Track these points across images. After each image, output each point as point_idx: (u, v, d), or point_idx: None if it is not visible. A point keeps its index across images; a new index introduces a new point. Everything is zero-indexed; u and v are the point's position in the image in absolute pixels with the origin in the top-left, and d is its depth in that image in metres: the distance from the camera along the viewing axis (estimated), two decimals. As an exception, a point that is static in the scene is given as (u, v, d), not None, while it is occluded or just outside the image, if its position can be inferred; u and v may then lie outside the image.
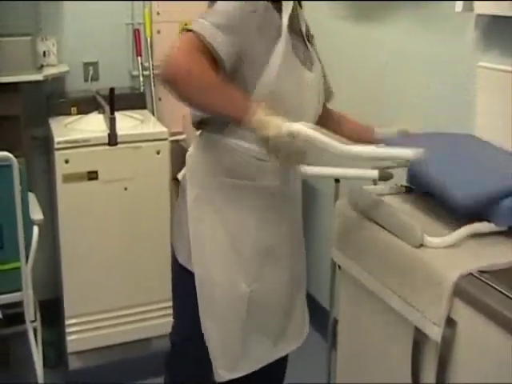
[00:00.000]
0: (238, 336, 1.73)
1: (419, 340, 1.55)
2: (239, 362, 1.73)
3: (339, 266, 1.92)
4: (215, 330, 1.71)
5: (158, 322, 2.75)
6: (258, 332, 1.76)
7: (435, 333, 1.46)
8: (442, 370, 1.46)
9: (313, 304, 3.23)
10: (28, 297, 2.41)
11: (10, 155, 2.26)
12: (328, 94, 1.89)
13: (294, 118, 1.54)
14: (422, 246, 1.56)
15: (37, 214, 2.49)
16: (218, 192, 1.68)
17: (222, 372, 1.71)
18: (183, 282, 1.75)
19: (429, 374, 1.53)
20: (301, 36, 1.72)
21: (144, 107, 3.08)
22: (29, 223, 2.41)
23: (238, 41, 1.54)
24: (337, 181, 2.39)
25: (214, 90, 1.49)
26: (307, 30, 1.78)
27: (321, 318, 3.06)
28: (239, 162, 1.65)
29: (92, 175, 2.64)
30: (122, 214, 2.70)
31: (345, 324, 1.96)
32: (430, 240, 1.56)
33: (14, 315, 2.57)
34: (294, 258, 1.84)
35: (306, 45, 1.73)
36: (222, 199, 1.68)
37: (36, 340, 2.50)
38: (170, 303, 1.88)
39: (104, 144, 2.63)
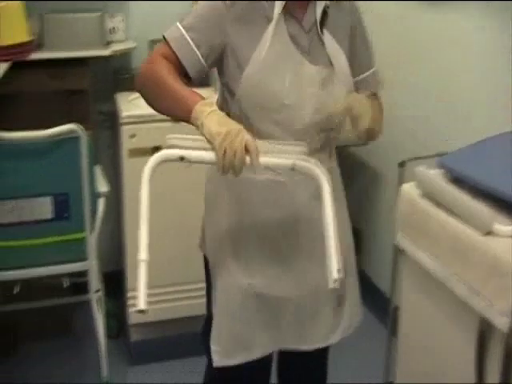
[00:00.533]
0: (234, 325, 1.72)
1: (484, 330, 1.52)
2: (233, 350, 1.72)
3: (403, 252, 1.90)
4: (215, 315, 1.73)
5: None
6: (257, 325, 1.72)
7: (502, 323, 1.43)
8: (509, 362, 1.43)
9: (373, 290, 3.24)
10: (92, 267, 2.47)
11: (79, 127, 2.30)
12: (365, 84, 1.73)
13: (288, 113, 1.56)
14: (490, 233, 1.53)
15: (103, 186, 2.53)
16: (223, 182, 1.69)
17: (215, 357, 1.72)
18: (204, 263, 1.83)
19: (494, 364, 1.50)
20: (313, 26, 1.60)
21: (208, 85, 3.08)
22: (95, 195, 2.46)
23: (210, 38, 1.56)
24: (401, 165, 2.35)
25: (164, 94, 1.51)
26: (332, 21, 1.63)
27: (381, 305, 3.04)
28: None
29: (157, 151, 2.65)
30: (184, 189, 2.72)
31: (406, 311, 1.94)
32: (500, 228, 1.53)
33: (79, 285, 2.64)
34: (298, 253, 1.71)
35: (318, 36, 1.61)
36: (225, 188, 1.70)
37: (99, 310, 2.56)
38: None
39: (169, 120, 2.64)
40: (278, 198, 1.64)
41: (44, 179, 2.36)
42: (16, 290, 2.42)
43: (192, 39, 1.57)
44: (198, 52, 1.57)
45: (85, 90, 2.83)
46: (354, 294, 1.84)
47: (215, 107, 1.45)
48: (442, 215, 1.68)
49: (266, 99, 1.57)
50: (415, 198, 1.81)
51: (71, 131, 2.30)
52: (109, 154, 3.05)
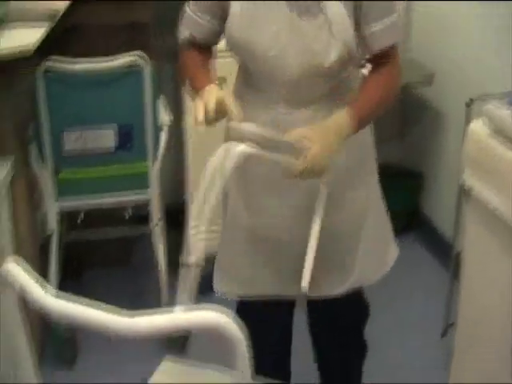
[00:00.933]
0: (234, 258, 1.76)
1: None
2: (232, 282, 1.77)
3: (467, 193, 1.85)
4: (219, 247, 1.79)
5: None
6: (258, 263, 1.73)
7: None
8: None
9: (434, 233, 3.20)
10: (154, 197, 2.50)
11: (143, 59, 2.30)
12: (376, 39, 1.56)
13: (274, 65, 1.53)
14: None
15: (165, 117, 2.54)
16: None
17: (215, 286, 1.77)
18: None
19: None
20: None
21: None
22: (157, 126, 2.47)
23: (211, 4, 1.61)
24: (468, 104, 2.29)
25: (186, 79, 1.68)
26: None
27: (442, 248, 3.00)
28: None
29: (220, 80, 2.64)
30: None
31: (470, 255, 1.91)
32: None
33: (141, 216, 2.69)
34: (304, 192, 1.65)
35: None
36: None
37: (160, 241, 2.60)
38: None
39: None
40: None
41: (108, 109, 2.39)
42: (80, 218, 2.48)
43: (194, 12, 1.65)
44: (203, 21, 1.64)
45: (149, 22, 2.82)
46: (372, 246, 1.77)
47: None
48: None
49: (248, 53, 1.57)
50: (484, 136, 1.76)
51: (135, 62, 2.31)
52: (172, 87, 3.05)
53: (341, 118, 1.50)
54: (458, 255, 2.22)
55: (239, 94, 1.67)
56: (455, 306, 2.29)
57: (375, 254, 1.78)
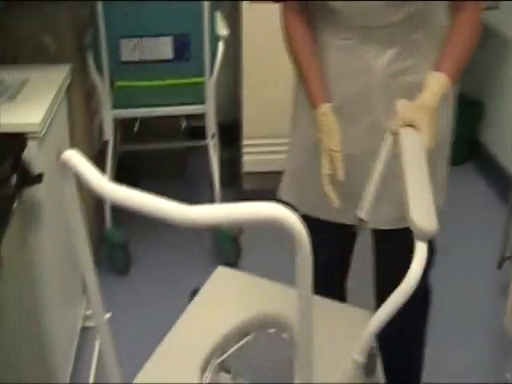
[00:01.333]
0: (303, 176, 1.69)
1: None
2: (299, 200, 1.71)
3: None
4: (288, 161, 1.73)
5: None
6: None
7: None
8: None
9: (493, 164, 3.11)
10: (210, 110, 2.48)
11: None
12: None
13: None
14: None
15: (223, 30, 2.50)
16: None
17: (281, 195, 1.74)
18: None
19: None
20: None
21: None
22: (215, 38, 2.43)
23: None
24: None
25: (300, 73, 1.58)
26: None
27: (501, 179, 2.93)
28: None
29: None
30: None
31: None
32: None
33: (196, 131, 2.68)
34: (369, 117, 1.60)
35: None
36: None
37: (214, 155, 2.59)
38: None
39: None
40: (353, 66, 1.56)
41: (166, 19, 2.35)
42: (136, 127, 2.48)
43: None
44: None
45: None
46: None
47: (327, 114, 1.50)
48: None
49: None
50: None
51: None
52: (229, 1, 2.98)
53: (439, 83, 1.43)
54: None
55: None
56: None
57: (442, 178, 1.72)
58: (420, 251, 1.11)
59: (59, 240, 1.89)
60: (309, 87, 1.55)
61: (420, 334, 1.90)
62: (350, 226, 1.64)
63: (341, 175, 1.47)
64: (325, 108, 1.50)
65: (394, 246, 1.74)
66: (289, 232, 0.91)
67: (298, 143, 1.72)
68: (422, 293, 1.89)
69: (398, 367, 1.84)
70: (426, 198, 1.18)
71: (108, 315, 2.01)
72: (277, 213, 0.90)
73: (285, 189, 1.78)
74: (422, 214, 1.13)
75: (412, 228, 1.11)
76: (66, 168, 1.03)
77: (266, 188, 2.84)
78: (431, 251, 1.82)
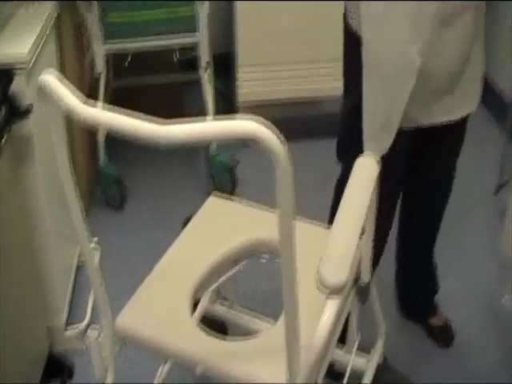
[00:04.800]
0: (398, 106, 1.57)
1: None
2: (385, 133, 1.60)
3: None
4: (374, 93, 1.57)
5: (329, 85, 2.67)
6: (418, 102, 1.58)
7: None
8: None
9: (492, 89, 3.06)
10: (203, 40, 2.43)
11: None
12: None
13: None
14: None
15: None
16: None
17: (367, 144, 1.60)
18: (352, 47, 1.61)
19: None
20: None
21: None
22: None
23: None
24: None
25: None
26: None
27: (500, 107, 2.88)
28: None
29: None
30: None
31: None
32: None
33: (190, 63, 2.63)
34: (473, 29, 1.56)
35: None
36: None
37: (209, 88, 2.54)
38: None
39: None
40: None
41: None
42: (127, 61, 2.44)
43: None
44: None
45: None
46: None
47: None
48: None
49: None
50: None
51: None
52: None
53: None
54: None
55: None
56: (510, 165, 2.24)
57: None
58: (328, 309, 1.10)
59: (53, 174, 1.89)
60: None
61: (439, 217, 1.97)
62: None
63: None
64: None
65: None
66: (267, 149, 0.90)
67: None
68: (448, 182, 1.95)
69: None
70: (345, 245, 1.14)
71: (95, 240, 2.04)
72: (255, 129, 0.89)
73: None
74: (333, 266, 1.09)
75: (318, 281, 1.06)
76: (43, 92, 1.02)
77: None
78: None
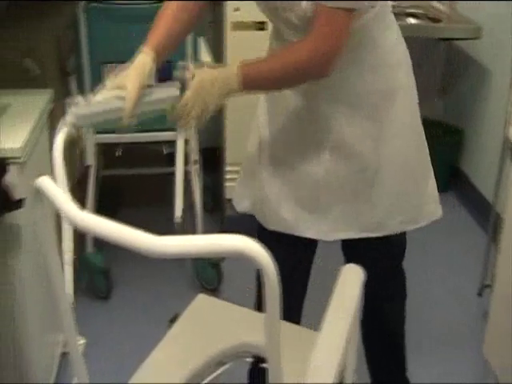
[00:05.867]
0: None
1: None
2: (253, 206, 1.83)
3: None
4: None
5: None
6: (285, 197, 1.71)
7: None
8: None
9: (473, 192, 3.13)
10: (192, 136, 2.49)
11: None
12: None
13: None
14: None
15: (206, 57, 2.52)
16: None
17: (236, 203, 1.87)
18: None
19: None
20: None
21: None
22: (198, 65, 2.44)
23: None
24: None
25: None
26: None
27: (481, 209, 2.95)
28: None
29: (260, 26, 2.62)
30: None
31: (511, 218, 1.86)
32: None
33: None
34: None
35: None
36: None
37: (196, 181, 2.60)
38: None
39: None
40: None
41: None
42: (118, 153, 2.48)
43: None
44: None
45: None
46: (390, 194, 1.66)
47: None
48: None
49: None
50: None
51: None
52: (213, 28, 3.01)
53: (229, 70, 1.45)
54: (498, 216, 2.17)
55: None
56: (492, 267, 2.26)
57: (401, 204, 1.68)
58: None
59: (40, 265, 1.89)
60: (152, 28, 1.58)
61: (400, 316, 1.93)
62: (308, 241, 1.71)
63: None
64: (147, 50, 1.56)
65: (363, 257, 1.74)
66: (256, 264, 0.91)
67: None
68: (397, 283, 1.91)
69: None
70: (331, 354, 1.14)
71: (82, 341, 2.01)
72: (243, 246, 0.90)
73: (237, 197, 1.96)
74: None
75: None
76: (39, 194, 1.04)
77: (246, 214, 2.85)
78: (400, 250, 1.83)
